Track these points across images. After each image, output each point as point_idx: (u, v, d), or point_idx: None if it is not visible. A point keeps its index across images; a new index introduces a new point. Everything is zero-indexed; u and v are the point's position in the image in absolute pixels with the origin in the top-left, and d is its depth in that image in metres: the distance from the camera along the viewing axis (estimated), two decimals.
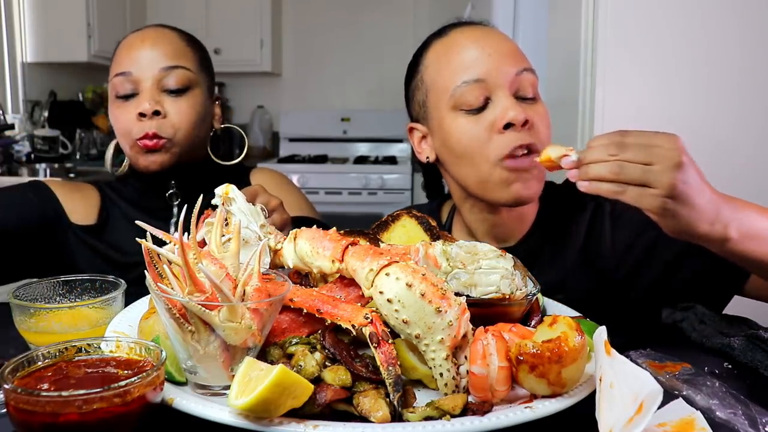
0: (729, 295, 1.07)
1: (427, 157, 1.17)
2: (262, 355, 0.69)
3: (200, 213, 0.69)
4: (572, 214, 1.16)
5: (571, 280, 1.12)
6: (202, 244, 0.79)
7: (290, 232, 0.82)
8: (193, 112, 1.25)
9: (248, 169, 1.48)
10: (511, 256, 0.81)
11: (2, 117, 3.50)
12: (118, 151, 1.33)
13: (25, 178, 3.37)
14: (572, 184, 0.88)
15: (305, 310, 0.72)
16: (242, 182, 1.40)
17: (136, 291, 0.90)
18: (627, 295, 1.11)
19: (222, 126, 1.37)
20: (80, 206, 1.29)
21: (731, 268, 0.97)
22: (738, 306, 1.23)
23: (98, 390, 0.54)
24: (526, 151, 1.03)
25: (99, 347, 0.65)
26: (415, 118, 1.22)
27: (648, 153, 0.77)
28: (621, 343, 0.89)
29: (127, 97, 1.23)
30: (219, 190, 0.91)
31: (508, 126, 1.03)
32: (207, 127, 1.32)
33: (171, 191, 1.29)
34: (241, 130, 1.44)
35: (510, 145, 1.03)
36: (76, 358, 0.64)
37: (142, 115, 1.20)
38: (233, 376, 0.62)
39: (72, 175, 3.50)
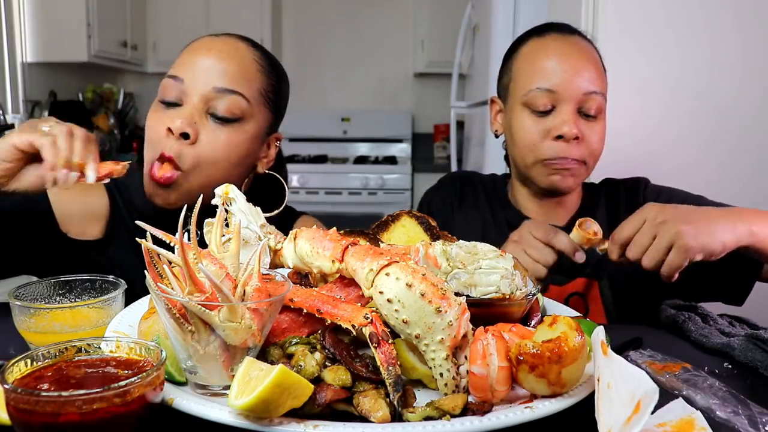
0: (749, 281, 1.19)
1: (496, 130, 1.36)
2: (262, 355, 0.69)
3: (200, 214, 0.69)
4: (616, 206, 1.33)
5: (612, 264, 1.18)
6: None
7: (290, 232, 0.82)
8: (230, 149, 1.08)
9: (295, 214, 1.32)
10: (511, 256, 0.81)
11: (2, 117, 3.50)
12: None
13: None
14: (615, 182, 1.37)
15: (305, 310, 0.72)
16: (287, 228, 1.29)
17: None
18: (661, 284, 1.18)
19: (266, 171, 1.19)
20: (78, 214, 1.15)
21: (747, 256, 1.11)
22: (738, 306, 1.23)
23: (98, 390, 0.54)
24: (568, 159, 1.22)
25: (99, 347, 0.65)
26: (499, 93, 1.36)
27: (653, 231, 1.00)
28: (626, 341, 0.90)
29: (169, 105, 1.09)
30: (219, 190, 0.91)
31: (560, 137, 1.20)
32: (245, 169, 1.14)
33: (186, 229, 1.15)
34: (283, 181, 1.19)
35: (556, 155, 1.21)
36: (76, 358, 0.64)
37: (170, 131, 1.06)
38: (233, 376, 0.62)
39: None
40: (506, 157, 1.40)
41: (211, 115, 1.08)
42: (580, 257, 1.06)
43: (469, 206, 1.39)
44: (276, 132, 1.20)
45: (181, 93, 1.08)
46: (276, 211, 1.12)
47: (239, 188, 1.12)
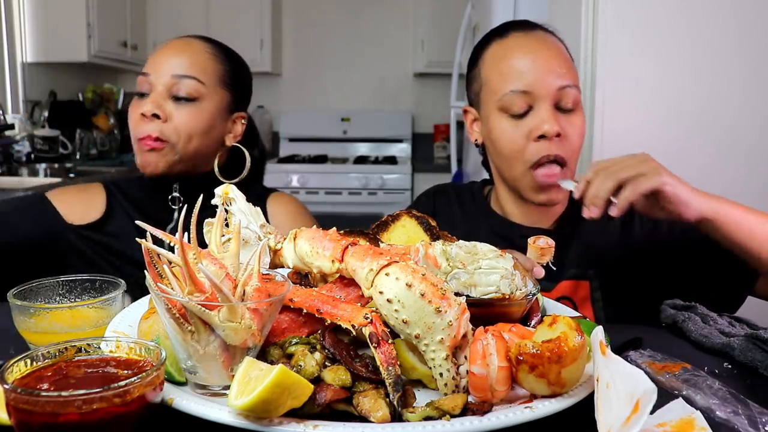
0: (741, 293, 1.18)
1: (476, 139, 1.31)
2: (262, 355, 0.69)
3: (200, 213, 0.69)
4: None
5: (604, 264, 1.18)
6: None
7: (290, 231, 0.82)
8: (195, 122, 1.29)
9: (267, 192, 1.47)
10: (510, 256, 0.81)
11: (2, 117, 3.50)
12: None
13: (25, 178, 3.37)
14: None
15: (305, 310, 0.72)
16: (260, 205, 1.38)
17: (138, 289, 0.90)
18: (653, 281, 1.19)
19: (233, 144, 1.37)
20: (80, 207, 1.32)
21: (741, 268, 1.11)
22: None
23: (98, 390, 0.54)
24: (553, 160, 1.18)
25: (99, 347, 0.65)
26: (471, 102, 1.32)
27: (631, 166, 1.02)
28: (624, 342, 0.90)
29: (142, 96, 1.30)
30: (219, 190, 0.91)
31: (541, 136, 1.17)
32: (214, 142, 1.34)
33: (174, 194, 1.34)
34: (246, 151, 1.37)
35: (540, 154, 1.17)
36: (76, 358, 0.64)
37: (143, 115, 1.28)
38: (233, 376, 0.62)
39: (72, 175, 3.50)
40: (484, 163, 1.37)
41: (173, 97, 1.29)
42: (538, 272, 1.06)
43: (443, 218, 1.35)
44: (241, 112, 1.40)
45: (149, 85, 1.30)
46: (238, 178, 1.33)
47: (213, 160, 1.35)
